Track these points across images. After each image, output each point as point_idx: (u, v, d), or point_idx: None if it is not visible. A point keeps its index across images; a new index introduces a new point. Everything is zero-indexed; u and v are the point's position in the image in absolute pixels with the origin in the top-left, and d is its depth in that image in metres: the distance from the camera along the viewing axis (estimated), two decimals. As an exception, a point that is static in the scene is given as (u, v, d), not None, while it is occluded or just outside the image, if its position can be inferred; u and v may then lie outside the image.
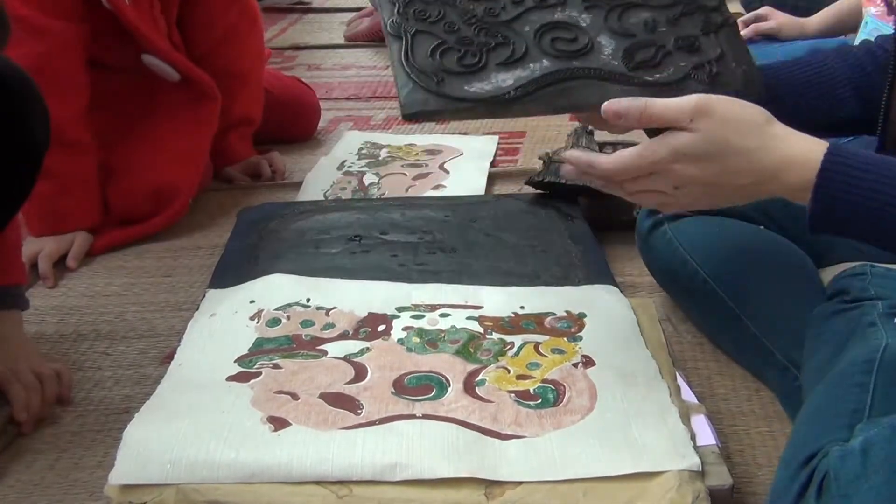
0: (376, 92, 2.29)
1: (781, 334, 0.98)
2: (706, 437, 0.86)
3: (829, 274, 1.01)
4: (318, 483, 0.79)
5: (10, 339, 1.03)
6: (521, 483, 0.79)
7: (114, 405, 1.02)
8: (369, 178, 1.61)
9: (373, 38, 2.82)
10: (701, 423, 0.88)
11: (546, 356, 0.98)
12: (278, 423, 0.85)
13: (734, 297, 1.03)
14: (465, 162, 1.68)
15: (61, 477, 0.90)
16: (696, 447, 0.82)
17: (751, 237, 1.07)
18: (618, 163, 0.75)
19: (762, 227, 1.08)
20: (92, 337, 1.16)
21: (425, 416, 0.87)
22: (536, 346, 1.00)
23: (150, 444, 0.82)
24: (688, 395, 0.93)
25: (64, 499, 0.87)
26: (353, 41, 2.85)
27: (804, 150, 0.72)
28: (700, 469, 0.80)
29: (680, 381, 0.95)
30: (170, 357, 1.04)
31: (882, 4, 1.64)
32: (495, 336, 1.01)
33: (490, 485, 0.79)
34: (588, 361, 0.96)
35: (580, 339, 1.01)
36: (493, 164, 1.68)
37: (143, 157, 1.47)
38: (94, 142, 1.41)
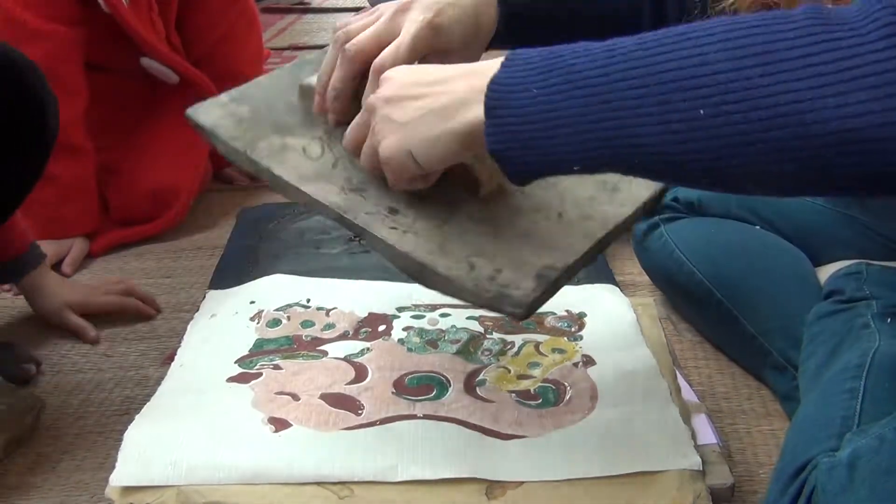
0: (375, 92, 2.28)
1: (779, 334, 0.98)
2: (707, 435, 0.86)
3: (825, 272, 1.01)
4: (318, 484, 0.79)
5: (46, 285, 1.15)
6: (522, 483, 0.79)
7: (115, 407, 1.02)
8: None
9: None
10: (701, 422, 0.88)
11: (546, 356, 0.98)
12: (279, 424, 0.85)
13: (731, 298, 1.03)
14: (464, 161, 1.67)
15: (63, 479, 0.90)
16: (696, 446, 0.82)
17: (747, 238, 1.07)
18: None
19: (758, 227, 1.08)
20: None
21: (426, 417, 0.87)
22: (537, 345, 1.00)
23: (150, 446, 0.82)
24: (688, 393, 0.93)
25: (66, 501, 0.88)
26: (352, 41, 2.85)
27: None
28: (701, 468, 0.80)
29: (680, 379, 0.95)
30: (170, 358, 1.04)
31: None
32: (496, 336, 1.01)
33: (491, 485, 0.79)
34: (588, 361, 0.96)
35: (580, 338, 1.01)
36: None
37: (143, 159, 1.48)
38: (93, 145, 1.41)
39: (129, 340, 1.15)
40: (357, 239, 1.17)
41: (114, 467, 0.81)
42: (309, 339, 1.02)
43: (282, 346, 1.01)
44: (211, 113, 0.79)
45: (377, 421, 0.86)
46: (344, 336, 1.02)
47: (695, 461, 0.80)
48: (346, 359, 0.97)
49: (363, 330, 1.03)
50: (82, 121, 1.39)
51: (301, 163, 0.76)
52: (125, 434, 0.84)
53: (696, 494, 0.78)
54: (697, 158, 0.50)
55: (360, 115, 0.70)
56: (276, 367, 0.95)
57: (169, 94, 1.52)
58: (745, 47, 0.48)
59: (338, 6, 3.40)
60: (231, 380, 0.94)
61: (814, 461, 0.69)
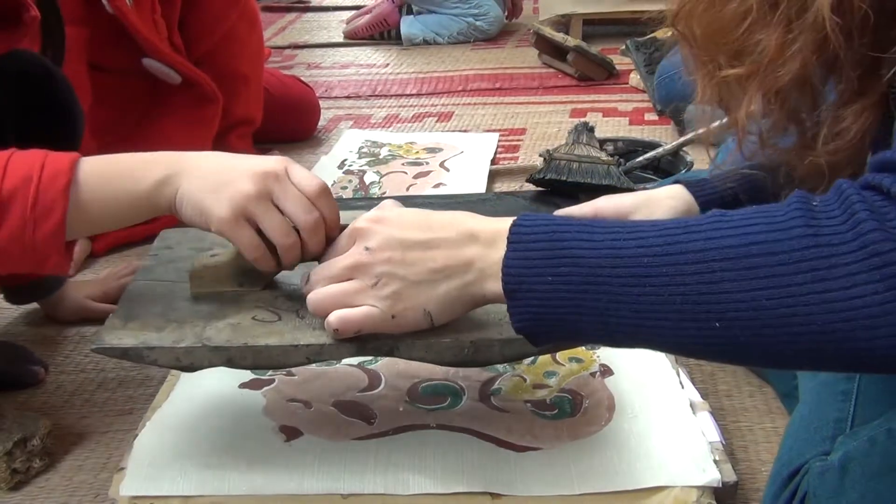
0: (376, 90, 2.29)
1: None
2: (710, 433, 0.86)
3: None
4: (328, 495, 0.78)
5: (61, 294, 1.17)
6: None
7: (118, 406, 1.02)
8: (370, 177, 1.61)
9: (373, 34, 2.82)
10: (705, 420, 0.88)
11: (563, 365, 0.96)
12: (290, 433, 0.85)
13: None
14: (465, 160, 1.68)
15: (66, 479, 0.90)
16: (716, 460, 0.81)
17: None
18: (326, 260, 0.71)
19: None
20: (94, 338, 1.16)
21: (439, 426, 0.86)
22: (553, 354, 0.98)
23: (160, 455, 0.82)
24: (691, 391, 0.93)
25: (69, 501, 0.88)
26: (353, 37, 2.85)
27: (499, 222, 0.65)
28: (720, 484, 0.78)
29: (683, 377, 0.94)
30: (173, 358, 1.04)
31: None
32: None
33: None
34: (606, 371, 0.95)
35: (598, 346, 0.99)
36: (493, 162, 1.68)
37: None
38: (95, 145, 1.41)
39: (132, 340, 1.15)
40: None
41: (117, 467, 0.82)
42: None
43: (294, 351, 1.00)
44: (120, 334, 0.72)
45: (390, 430, 0.85)
46: None
47: (714, 477, 0.78)
48: (360, 366, 0.96)
49: None
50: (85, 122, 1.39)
51: (271, 329, 0.72)
52: (135, 442, 0.84)
53: (700, 492, 0.77)
54: (715, 356, 0.59)
55: (336, 269, 0.68)
56: (289, 374, 0.95)
57: (171, 95, 1.52)
58: (752, 269, 0.53)
59: (337, 5, 3.40)
60: (243, 385, 0.93)
61: (806, 466, 0.69)
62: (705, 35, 0.65)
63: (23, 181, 0.69)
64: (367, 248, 0.66)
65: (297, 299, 0.75)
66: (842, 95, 0.63)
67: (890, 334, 0.50)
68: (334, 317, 0.67)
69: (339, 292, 0.67)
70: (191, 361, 0.71)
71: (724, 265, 0.53)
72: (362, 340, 0.69)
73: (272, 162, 0.72)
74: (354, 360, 0.97)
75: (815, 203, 0.54)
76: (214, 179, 0.70)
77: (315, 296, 0.68)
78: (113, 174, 0.72)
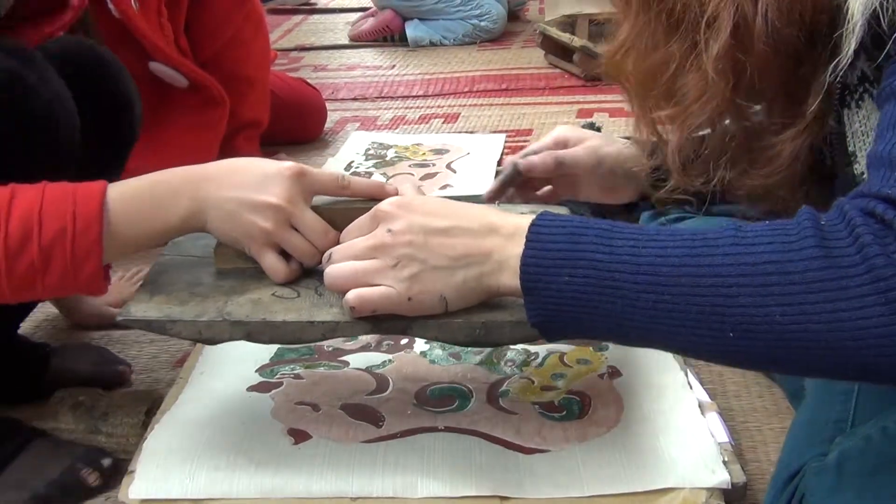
0: (382, 92, 2.29)
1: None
2: (719, 434, 0.86)
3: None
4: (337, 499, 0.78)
5: (80, 298, 1.17)
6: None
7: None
8: (377, 179, 1.61)
9: (377, 37, 2.83)
10: (713, 421, 0.88)
11: (571, 366, 0.96)
12: (299, 436, 0.85)
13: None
14: (472, 161, 1.68)
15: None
16: (724, 461, 0.81)
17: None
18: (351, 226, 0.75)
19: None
20: (104, 342, 1.16)
21: (448, 429, 0.86)
22: (561, 356, 0.98)
23: (169, 458, 0.82)
24: (699, 392, 0.93)
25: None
26: (358, 40, 2.85)
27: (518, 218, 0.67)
28: (729, 485, 0.78)
29: (691, 378, 0.94)
30: (181, 361, 1.04)
31: None
32: (520, 346, 1.00)
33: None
34: (614, 372, 0.95)
35: (606, 348, 0.99)
36: (500, 163, 1.68)
37: (152, 162, 1.47)
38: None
39: (141, 343, 1.16)
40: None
41: (127, 470, 0.82)
42: (330, 349, 1.01)
43: (303, 355, 1.00)
44: (146, 307, 0.75)
45: (398, 433, 0.85)
46: (366, 348, 1.02)
47: (723, 478, 0.78)
48: (368, 370, 0.96)
49: (385, 342, 1.02)
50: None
51: (290, 305, 0.74)
52: (143, 444, 0.84)
53: (708, 493, 0.77)
54: (726, 362, 0.61)
55: (358, 248, 0.70)
56: (297, 377, 0.95)
57: (178, 98, 1.52)
58: (766, 286, 0.55)
59: (344, 6, 3.40)
60: (251, 389, 0.93)
61: (805, 467, 0.69)
62: (637, 81, 0.70)
63: (58, 234, 0.71)
64: (389, 231, 0.68)
65: (316, 276, 0.76)
66: (770, 125, 0.66)
67: (894, 353, 0.52)
68: (353, 294, 0.69)
69: (359, 269, 0.70)
70: (212, 335, 0.73)
71: (739, 281, 0.56)
72: (377, 319, 0.71)
73: (286, 188, 0.76)
74: (363, 364, 0.97)
75: (822, 222, 0.55)
76: (236, 213, 0.75)
77: (333, 270, 0.71)
78: (141, 211, 0.75)
